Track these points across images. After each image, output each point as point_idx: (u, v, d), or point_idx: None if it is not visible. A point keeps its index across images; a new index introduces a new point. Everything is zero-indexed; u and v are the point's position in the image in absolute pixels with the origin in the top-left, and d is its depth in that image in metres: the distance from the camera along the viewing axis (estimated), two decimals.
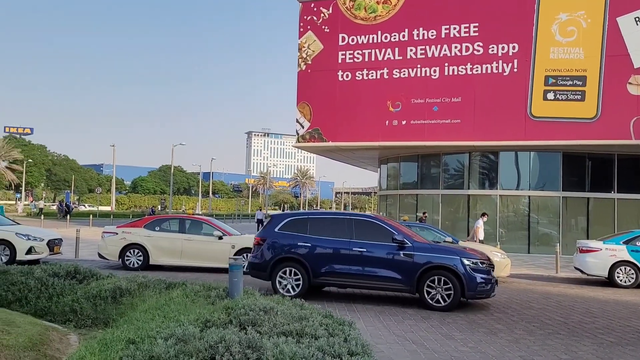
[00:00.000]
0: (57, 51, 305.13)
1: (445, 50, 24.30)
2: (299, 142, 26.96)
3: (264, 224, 11.94)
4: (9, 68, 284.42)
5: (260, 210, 41.05)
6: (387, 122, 24.96)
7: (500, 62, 23.48)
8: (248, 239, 14.38)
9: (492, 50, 23.59)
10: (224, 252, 13.52)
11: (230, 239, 14.12)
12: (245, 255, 13.79)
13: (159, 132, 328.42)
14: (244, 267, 10.21)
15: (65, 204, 50.19)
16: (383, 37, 25.22)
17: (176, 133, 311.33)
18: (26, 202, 64.40)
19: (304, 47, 26.55)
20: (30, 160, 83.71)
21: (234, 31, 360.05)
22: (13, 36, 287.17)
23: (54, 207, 45.96)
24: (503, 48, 23.47)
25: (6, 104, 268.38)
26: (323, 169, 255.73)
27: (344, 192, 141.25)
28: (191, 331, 4.49)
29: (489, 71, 23.63)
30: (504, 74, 23.43)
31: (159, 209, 78.20)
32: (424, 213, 23.67)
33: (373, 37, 25.37)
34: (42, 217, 35.48)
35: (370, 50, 25.42)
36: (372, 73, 25.34)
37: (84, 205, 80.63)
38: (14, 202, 79.65)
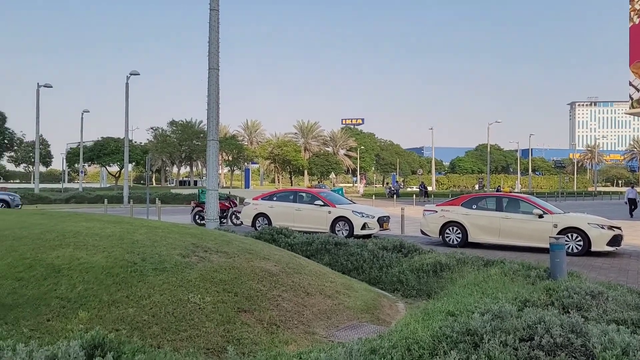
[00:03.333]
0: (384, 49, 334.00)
1: None
2: (633, 107, 23.36)
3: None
4: (341, 64, 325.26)
5: (633, 188, 32.82)
6: None
7: None
8: (573, 218, 13.29)
9: None
10: (545, 231, 12.78)
11: (551, 217, 13.24)
12: (570, 235, 12.79)
13: (474, 111, 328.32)
14: (567, 247, 9.46)
15: (422, 185, 54.64)
16: None
17: (491, 111, 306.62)
18: (361, 184, 73.56)
19: None
20: (362, 147, 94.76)
21: None
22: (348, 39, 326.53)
23: (416, 189, 51.27)
24: None
25: (342, 99, 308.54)
26: None
27: None
28: (508, 309, 4.45)
29: None
30: None
31: (477, 187, 78.55)
32: None
33: None
34: (395, 198, 39.28)
35: None
36: None
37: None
38: (350, 184, 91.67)
